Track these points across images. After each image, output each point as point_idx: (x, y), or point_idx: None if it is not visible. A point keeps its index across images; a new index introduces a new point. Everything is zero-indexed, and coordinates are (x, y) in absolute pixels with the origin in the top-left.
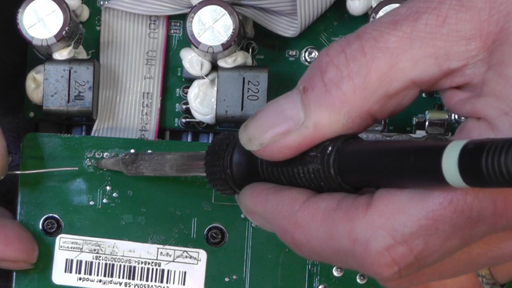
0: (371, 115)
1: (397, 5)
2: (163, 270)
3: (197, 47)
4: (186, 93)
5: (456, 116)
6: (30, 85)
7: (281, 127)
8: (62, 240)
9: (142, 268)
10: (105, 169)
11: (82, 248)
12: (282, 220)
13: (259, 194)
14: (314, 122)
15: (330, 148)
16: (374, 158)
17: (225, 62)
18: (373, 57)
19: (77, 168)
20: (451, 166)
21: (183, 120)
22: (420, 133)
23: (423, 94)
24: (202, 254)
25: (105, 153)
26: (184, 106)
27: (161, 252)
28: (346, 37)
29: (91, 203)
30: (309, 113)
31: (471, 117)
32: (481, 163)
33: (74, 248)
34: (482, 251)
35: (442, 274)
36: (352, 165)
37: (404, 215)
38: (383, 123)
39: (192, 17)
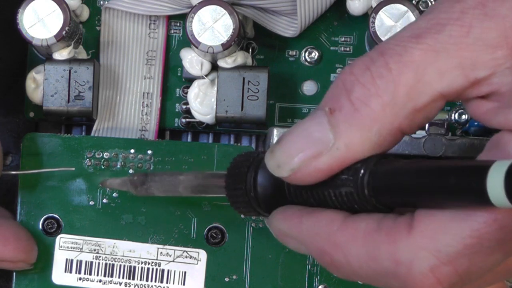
0: (401, 130)
1: (397, 5)
2: (163, 270)
3: (197, 47)
4: (186, 93)
5: (456, 116)
6: (30, 85)
7: (311, 150)
8: (62, 240)
9: (142, 268)
10: (111, 190)
11: (82, 248)
12: (320, 242)
13: (292, 216)
14: (345, 143)
15: (363, 171)
16: (411, 179)
17: (225, 62)
18: (399, 72)
19: (73, 169)
20: (497, 187)
21: (183, 120)
22: (420, 133)
23: None
24: (202, 254)
25: (105, 153)
26: (184, 106)
27: (161, 252)
28: (368, 54)
29: (91, 203)
30: (339, 134)
31: (504, 129)
32: None
33: (74, 248)
34: None
35: (480, 285)
36: (387, 187)
37: (448, 235)
38: None
39: (192, 17)
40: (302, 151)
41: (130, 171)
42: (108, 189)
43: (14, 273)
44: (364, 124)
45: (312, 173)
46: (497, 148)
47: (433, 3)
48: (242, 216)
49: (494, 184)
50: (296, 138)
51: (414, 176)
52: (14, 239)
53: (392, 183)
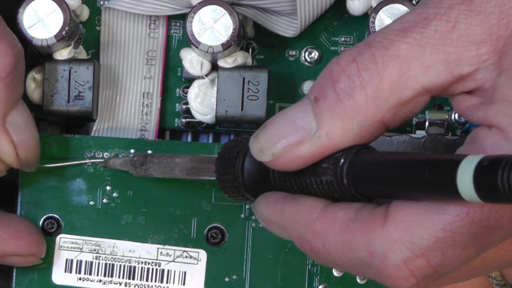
0: (383, 123)
1: (397, 5)
2: (163, 270)
3: (197, 47)
4: (186, 93)
5: (456, 116)
6: (30, 85)
7: (293, 137)
8: (62, 240)
9: (142, 268)
10: (113, 169)
11: (82, 248)
12: (300, 229)
13: (275, 203)
14: (327, 132)
15: (342, 160)
16: (387, 171)
17: (225, 62)
18: (385, 65)
19: (103, 161)
20: (466, 182)
21: (183, 120)
22: (420, 133)
23: None
24: (202, 254)
25: (105, 153)
26: (184, 106)
27: (161, 252)
28: (357, 46)
29: (91, 203)
30: (322, 123)
31: (482, 124)
32: (497, 180)
33: (74, 248)
34: (497, 256)
35: (456, 279)
36: (366, 177)
37: (421, 228)
38: None
39: (192, 17)
40: (285, 137)
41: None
42: (112, 168)
43: (14, 273)
44: (347, 115)
45: (293, 160)
46: (473, 143)
47: None
48: (233, 199)
49: (464, 178)
50: (280, 124)
51: (390, 168)
52: (26, 232)
53: (370, 174)
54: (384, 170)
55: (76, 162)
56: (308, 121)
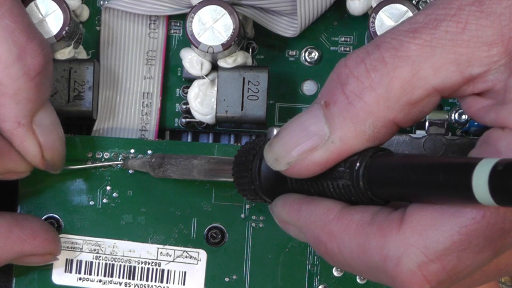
0: (395, 123)
1: (397, 5)
2: (163, 270)
3: (197, 47)
4: (186, 93)
5: (456, 116)
6: None
7: (307, 144)
8: (62, 240)
9: (142, 268)
10: (132, 170)
11: (82, 248)
12: (315, 229)
13: (292, 203)
14: (340, 136)
15: (358, 163)
16: (403, 174)
17: (225, 62)
18: (395, 66)
19: (122, 162)
20: (482, 185)
21: (183, 120)
22: (420, 133)
23: None
24: (202, 254)
25: (105, 153)
26: (184, 106)
27: (161, 252)
28: (364, 47)
29: (91, 203)
30: (334, 128)
31: (495, 125)
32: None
33: (74, 248)
34: (510, 260)
35: (469, 286)
36: (382, 180)
37: (437, 231)
38: None
39: (192, 17)
40: (299, 144)
41: (130, 171)
42: (130, 169)
43: (14, 273)
44: (358, 117)
45: (309, 167)
46: (487, 145)
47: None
48: (251, 201)
49: (479, 182)
50: (293, 132)
51: (406, 171)
52: (42, 232)
53: (386, 177)
54: (400, 173)
55: (100, 164)
56: (321, 127)
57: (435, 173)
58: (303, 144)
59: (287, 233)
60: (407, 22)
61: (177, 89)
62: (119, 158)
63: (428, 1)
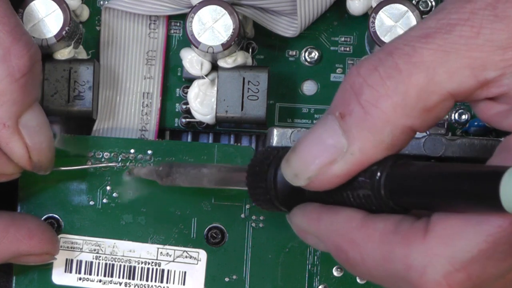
0: (413, 130)
1: (397, 5)
2: (163, 270)
3: (197, 47)
4: (186, 93)
5: (456, 116)
6: None
7: (326, 158)
8: (62, 240)
9: (142, 268)
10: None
11: (82, 248)
12: (337, 238)
13: (312, 212)
14: (359, 147)
15: (379, 173)
16: (426, 183)
17: (225, 62)
18: (409, 73)
19: (118, 164)
20: (509, 194)
21: (183, 120)
22: (420, 133)
23: None
24: (202, 254)
25: (105, 153)
26: (184, 106)
27: (161, 252)
28: (376, 54)
29: (91, 203)
30: (352, 139)
31: None
32: None
33: (74, 248)
34: None
35: None
36: (403, 189)
37: (463, 240)
38: None
39: (192, 17)
40: (317, 158)
41: (127, 177)
42: (137, 176)
43: (14, 273)
44: (376, 127)
45: (329, 180)
46: (508, 152)
47: (432, 3)
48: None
49: (507, 190)
50: (310, 146)
51: (429, 180)
52: (39, 231)
53: (408, 186)
54: (423, 183)
55: (93, 165)
56: (338, 139)
57: (460, 181)
58: (322, 158)
59: (306, 242)
60: (418, 27)
61: (177, 89)
62: (119, 159)
63: (429, 1)
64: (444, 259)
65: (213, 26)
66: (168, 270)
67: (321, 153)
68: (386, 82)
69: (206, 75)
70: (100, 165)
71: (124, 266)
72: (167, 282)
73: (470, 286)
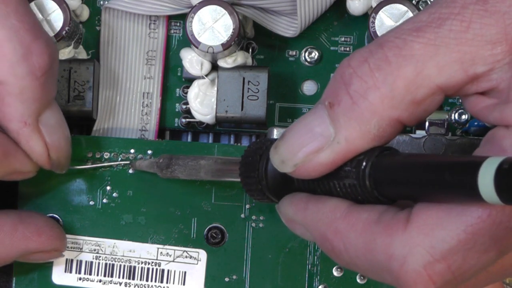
0: (400, 122)
1: (397, 5)
2: (163, 270)
3: (197, 47)
4: (186, 93)
5: (456, 116)
6: None
7: (313, 145)
8: None
9: (142, 268)
10: (139, 171)
11: (82, 248)
12: (322, 227)
13: (299, 201)
14: (345, 137)
15: (364, 163)
16: (409, 173)
17: (225, 62)
18: (399, 65)
19: (129, 162)
20: (487, 184)
21: (183, 120)
22: (420, 133)
23: None
24: (202, 254)
25: (105, 153)
26: (184, 106)
27: (161, 252)
28: (367, 47)
29: (91, 203)
30: (339, 128)
31: (499, 124)
32: None
33: (74, 248)
34: None
35: (474, 286)
36: (388, 179)
37: (443, 231)
38: None
39: (192, 17)
40: (304, 146)
41: (130, 171)
42: (138, 169)
43: (14, 273)
44: (363, 117)
45: (315, 168)
46: (491, 144)
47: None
48: (258, 201)
49: (485, 181)
50: (298, 133)
51: (412, 170)
52: (47, 228)
53: (392, 176)
54: (406, 173)
55: (106, 164)
56: (326, 128)
57: (441, 172)
58: (309, 146)
59: (294, 232)
60: (411, 21)
61: (177, 89)
62: (119, 159)
63: (429, 1)
64: (424, 249)
65: (213, 26)
66: (168, 270)
67: (308, 141)
68: (375, 74)
69: (206, 75)
70: (111, 164)
71: (124, 266)
72: (167, 282)
73: (450, 277)
